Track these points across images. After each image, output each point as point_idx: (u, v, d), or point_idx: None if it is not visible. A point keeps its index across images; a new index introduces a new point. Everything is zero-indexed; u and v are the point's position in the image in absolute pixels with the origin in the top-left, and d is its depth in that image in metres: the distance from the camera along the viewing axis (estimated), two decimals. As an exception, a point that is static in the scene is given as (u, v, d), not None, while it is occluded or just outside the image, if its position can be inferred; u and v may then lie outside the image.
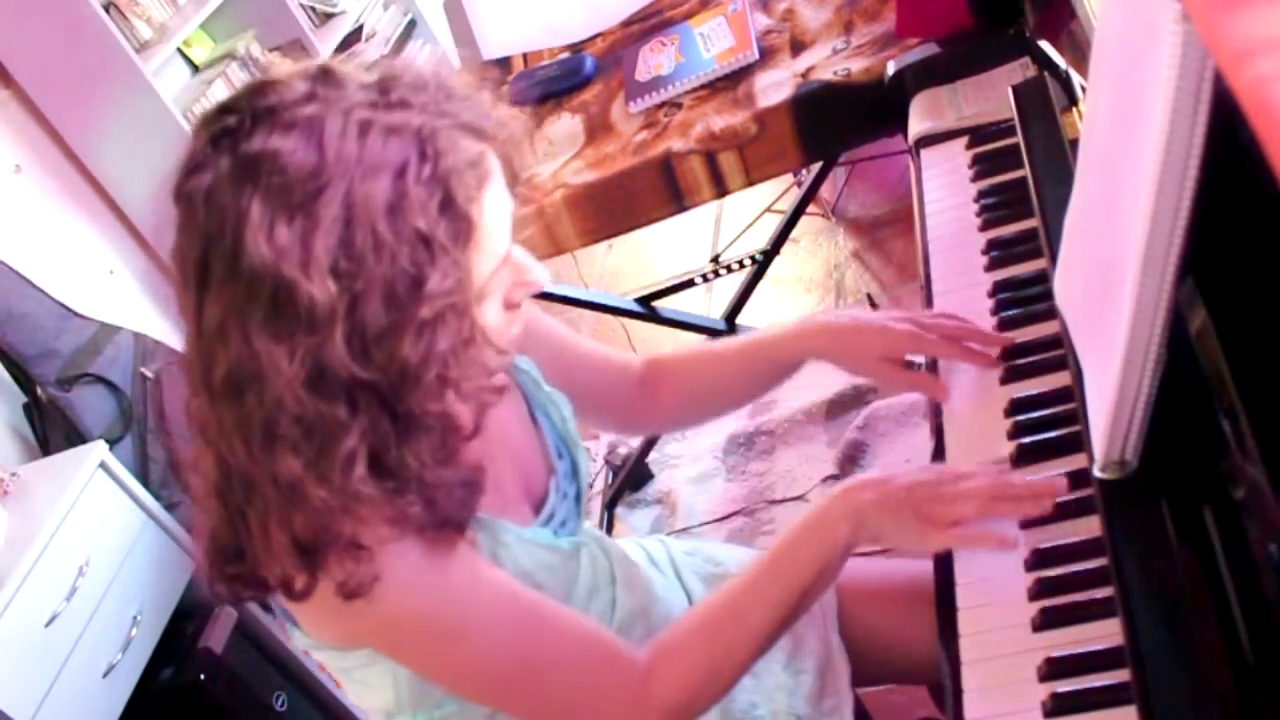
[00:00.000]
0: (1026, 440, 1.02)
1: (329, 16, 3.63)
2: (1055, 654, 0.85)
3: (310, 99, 0.80)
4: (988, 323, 1.16)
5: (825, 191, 2.93)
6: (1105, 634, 0.84)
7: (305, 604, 0.87)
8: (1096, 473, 0.88)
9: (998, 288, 1.20)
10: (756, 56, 1.87)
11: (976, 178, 1.35)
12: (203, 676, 1.99)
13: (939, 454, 1.09)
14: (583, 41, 2.25)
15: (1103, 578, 0.86)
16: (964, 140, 1.42)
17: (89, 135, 2.80)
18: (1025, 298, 1.17)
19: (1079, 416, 0.93)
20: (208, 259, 0.79)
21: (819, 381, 2.46)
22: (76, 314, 2.40)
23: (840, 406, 2.43)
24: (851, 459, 2.29)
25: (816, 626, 1.20)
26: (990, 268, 1.23)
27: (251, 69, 3.21)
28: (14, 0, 2.64)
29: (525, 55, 2.32)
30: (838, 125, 1.74)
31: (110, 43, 2.73)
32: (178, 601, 2.11)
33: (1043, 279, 1.12)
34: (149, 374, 2.42)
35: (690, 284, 2.46)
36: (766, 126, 1.75)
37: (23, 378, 2.31)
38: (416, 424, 0.84)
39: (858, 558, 1.28)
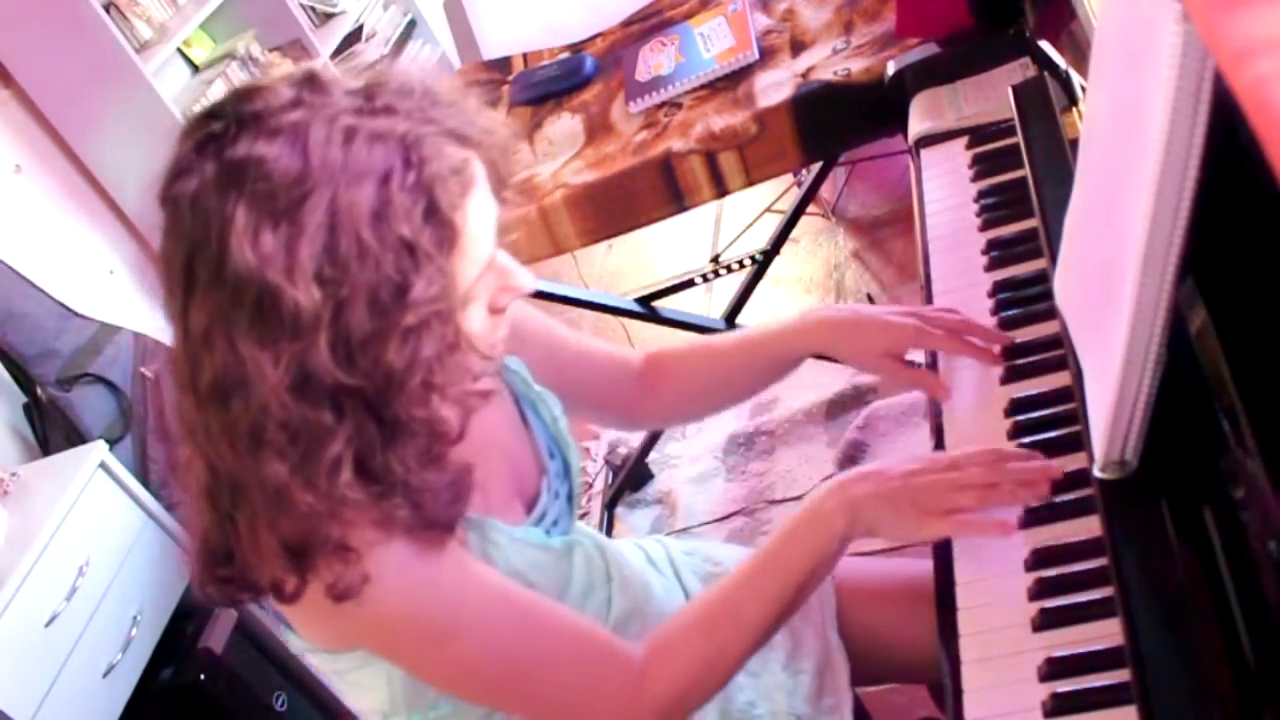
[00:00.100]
0: (1026, 440, 1.02)
1: (329, 16, 3.63)
2: (1055, 654, 0.85)
3: (296, 105, 0.81)
4: (988, 323, 1.16)
5: (825, 191, 2.93)
6: (1105, 634, 0.84)
7: (297, 607, 0.87)
8: (1096, 473, 0.88)
9: (998, 288, 1.20)
10: (756, 56, 1.87)
11: (976, 178, 1.36)
12: (203, 676, 1.99)
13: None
14: (583, 41, 2.25)
15: (1103, 578, 0.86)
16: (964, 140, 1.42)
17: (89, 135, 2.80)
18: (1025, 298, 1.17)
19: (1079, 416, 0.93)
20: (193, 264, 0.80)
21: (819, 381, 2.46)
22: (76, 314, 2.40)
23: (840, 406, 2.43)
24: (851, 459, 2.29)
25: (815, 625, 1.20)
26: (990, 268, 1.23)
27: (251, 69, 3.21)
28: (14, 0, 2.64)
29: (525, 55, 2.32)
30: (838, 125, 1.74)
31: (110, 43, 2.73)
32: (178, 601, 2.11)
33: (1043, 279, 1.12)
34: (149, 374, 2.42)
35: (690, 284, 2.46)
36: (766, 126, 1.75)
37: (23, 378, 2.31)
38: (402, 429, 0.84)
39: (857, 557, 1.29)
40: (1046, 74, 1.33)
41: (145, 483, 2.21)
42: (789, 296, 2.85)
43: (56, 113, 2.77)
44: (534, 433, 1.10)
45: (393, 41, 3.81)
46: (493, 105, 2.22)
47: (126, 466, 2.12)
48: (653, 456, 2.58)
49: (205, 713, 2.00)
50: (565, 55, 2.22)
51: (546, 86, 2.13)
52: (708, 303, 2.92)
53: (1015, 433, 1.04)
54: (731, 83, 1.87)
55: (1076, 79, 1.25)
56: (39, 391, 2.29)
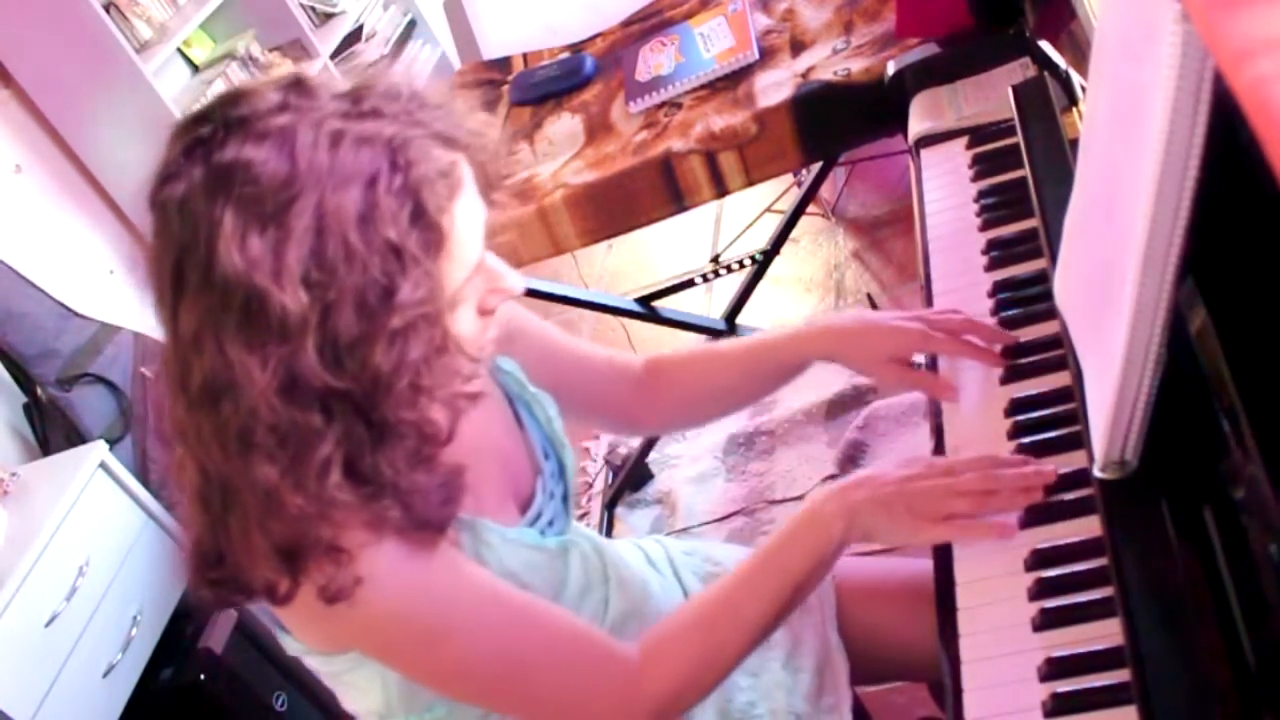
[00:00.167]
0: (1026, 440, 1.02)
1: (329, 16, 3.63)
2: (1055, 654, 0.85)
3: (283, 109, 0.81)
4: (988, 323, 1.16)
5: (825, 191, 2.93)
6: (1105, 634, 0.84)
7: (290, 609, 0.87)
8: (1096, 473, 0.88)
9: (998, 288, 1.20)
10: (756, 56, 1.87)
11: (976, 178, 1.36)
12: (203, 676, 2.00)
13: (939, 454, 1.09)
14: (583, 41, 2.25)
15: (1103, 578, 0.86)
16: (964, 140, 1.42)
17: (89, 135, 2.80)
18: (1025, 298, 1.17)
19: (1079, 416, 0.93)
20: (182, 268, 0.80)
21: (819, 381, 2.46)
22: (76, 314, 2.40)
23: (840, 406, 2.43)
24: (851, 459, 2.29)
25: (815, 624, 1.20)
26: (990, 268, 1.23)
27: (251, 69, 3.21)
28: (14, 0, 2.64)
29: (525, 55, 2.32)
30: (838, 125, 1.74)
31: (110, 43, 2.73)
32: (178, 601, 2.11)
33: (1043, 279, 1.12)
34: (149, 374, 2.42)
35: (690, 284, 2.46)
36: (766, 126, 1.75)
37: (23, 378, 2.31)
38: (391, 431, 0.84)
39: (857, 556, 1.29)
40: (1046, 74, 1.33)
41: (145, 483, 2.21)
42: (789, 296, 2.85)
43: (56, 113, 2.77)
44: (529, 434, 1.10)
45: (393, 41, 3.81)
46: (493, 105, 2.22)
47: (126, 466, 2.13)
48: (653, 456, 2.58)
49: (205, 713, 2.00)
50: (565, 55, 2.22)
51: (546, 86, 2.13)
52: (708, 303, 2.92)
53: (1015, 433, 1.04)
54: (731, 83, 1.87)
55: (1076, 79, 1.25)
56: (39, 391, 2.30)
